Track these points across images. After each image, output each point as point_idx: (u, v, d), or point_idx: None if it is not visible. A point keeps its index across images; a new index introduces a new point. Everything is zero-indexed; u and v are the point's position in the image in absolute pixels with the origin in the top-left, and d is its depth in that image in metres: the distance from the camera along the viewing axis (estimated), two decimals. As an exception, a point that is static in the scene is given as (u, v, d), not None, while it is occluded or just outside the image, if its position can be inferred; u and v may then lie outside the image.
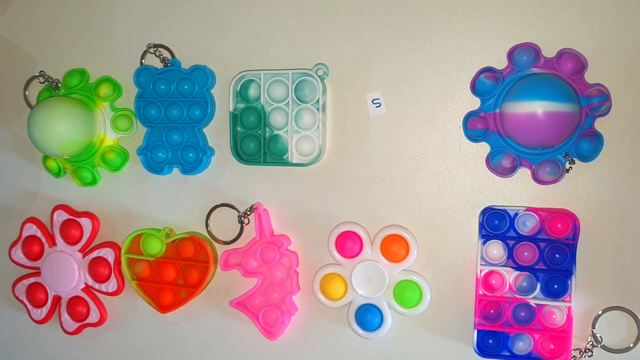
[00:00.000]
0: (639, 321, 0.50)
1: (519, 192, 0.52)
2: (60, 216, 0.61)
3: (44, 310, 0.63)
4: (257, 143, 0.56)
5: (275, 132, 0.55)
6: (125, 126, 0.59)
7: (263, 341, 0.57)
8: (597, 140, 0.49)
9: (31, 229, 0.62)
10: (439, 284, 0.54)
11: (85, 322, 0.62)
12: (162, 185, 0.60)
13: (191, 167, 0.58)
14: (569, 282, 0.50)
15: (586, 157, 0.49)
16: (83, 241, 0.61)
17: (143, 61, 0.59)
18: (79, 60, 0.61)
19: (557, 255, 0.50)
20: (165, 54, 0.58)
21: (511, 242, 0.51)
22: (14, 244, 0.63)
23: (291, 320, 0.57)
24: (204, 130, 0.58)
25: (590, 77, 0.49)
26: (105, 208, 0.62)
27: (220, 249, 0.59)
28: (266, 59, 0.56)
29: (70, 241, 0.61)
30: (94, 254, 0.61)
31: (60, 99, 0.58)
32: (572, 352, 0.51)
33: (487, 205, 0.52)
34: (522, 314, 0.51)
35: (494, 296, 0.52)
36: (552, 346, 0.51)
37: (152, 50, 0.58)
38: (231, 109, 0.56)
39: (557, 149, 0.50)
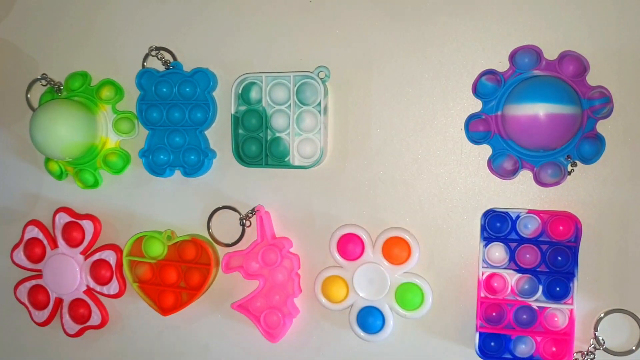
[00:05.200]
0: (642, 324, 0.50)
1: (521, 195, 0.52)
2: (62, 218, 0.61)
3: (46, 312, 0.63)
4: (258, 145, 0.56)
5: (277, 134, 0.55)
6: (127, 129, 0.59)
7: (264, 344, 0.57)
8: (598, 142, 0.49)
9: (33, 232, 0.62)
10: (440, 286, 0.54)
11: (87, 324, 0.62)
12: (163, 187, 0.60)
13: (193, 170, 0.58)
14: (571, 284, 0.50)
15: (588, 160, 0.49)
16: (85, 243, 0.61)
17: (145, 64, 0.59)
18: (81, 63, 0.61)
19: (559, 258, 0.50)
20: (167, 56, 0.58)
21: (513, 245, 0.51)
22: (16, 246, 0.63)
23: (292, 323, 0.57)
24: (206, 132, 0.58)
25: (591, 79, 0.49)
26: (107, 210, 0.62)
27: (221, 251, 0.59)
28: (268, 61, 0.56)
29: (72, 243, 0.61)
30: (96, 256, 0.61)
31: (62, 101, 0.58)
32: (575, 354, 0.51)
33: (488, 207, 0.52)
34: (524, 316, 0.51)
35: (496, 299, 0.52)
36: (554, 349, 0.51)
37: (153, 53, 0.58)
38: (233, 112, 0.56)
39: (559, 151, 0.50)
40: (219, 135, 0.58)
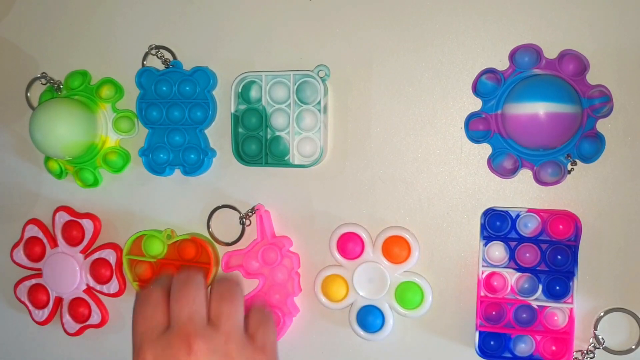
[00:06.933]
0: (641, 323, 0.50)
1: (521, 194, 0.52)
2: (62, 217, 0.61)
3: (46, 311, 0.63)
4: (258, 144, 0.56)
5: (277, 133, 0.55)
6: (126, 127, 0.59)
7: (264, 342, 0.57)
8: (598, 141, 0.49)
9: (33, 230, 0.62)
10: (440, 285, 0.54)
11: (87, 323, 0.62)
12: (163, 186, 0.60)
13: (193, 169, 0.58)
14: (571, 283, 0.50)
15: (588, 159, 0.49)
16: (85, 242, 0.61)
17: (144, 62, 0.59)
18: (81, 62, 0.61)
19: (559, 257, 0.50)
20: (167, 55, 0.58)
21: (513, 244, 0.51)
22: (16, 245, 0.63)
23: (292, 322, 0.57)
24: (206, 131, 0.58)
25: (591, 78, 0.49)
26: (107, 209, 0.62)
27: (221, 250, 0.59)
28: (267, 60, 0.56)
29: (72, 242, 0.61)
30: (96, 255, 0.61)
31: (62, 100, 0.58)
32: (574, 353, 0.51)
33: (488, 206, 0.52)
34: (524, 315, 0.51)
35: (496, 298, 0.52)
36: (553, 348, 0.51)
37: (153, 51, 0.58)
38: (232, 111, 0.56)
39: (558, 150, 0.50)
40: (218, 134, 0.58)
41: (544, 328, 0.51)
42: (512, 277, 0.51)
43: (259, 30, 0.56)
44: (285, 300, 0.56)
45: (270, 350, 0.44)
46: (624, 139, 0.49)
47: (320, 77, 0.54)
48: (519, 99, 0.48)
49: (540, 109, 0.47)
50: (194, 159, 0.57)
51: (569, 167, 0.50)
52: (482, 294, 0.52)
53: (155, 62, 0.58)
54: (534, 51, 0.50)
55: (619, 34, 0.49)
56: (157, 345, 0.42)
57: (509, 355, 0.52)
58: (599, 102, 0.48)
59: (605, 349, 0.51)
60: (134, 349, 0.43)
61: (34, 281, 0.63)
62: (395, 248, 0.53)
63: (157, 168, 0.58)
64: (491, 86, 0.51)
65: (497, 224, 0.51)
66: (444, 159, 0.53)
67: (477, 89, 0.51)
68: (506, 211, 0.51)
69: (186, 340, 0.41)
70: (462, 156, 0.53)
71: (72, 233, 0.61)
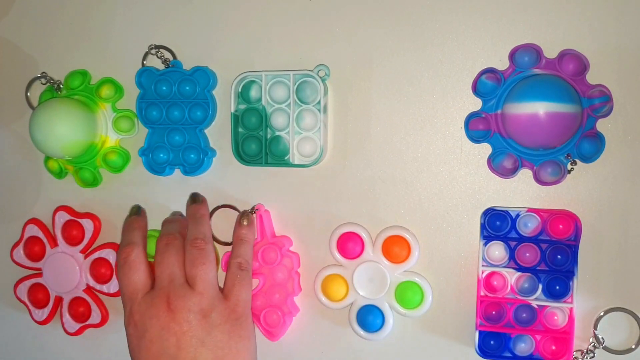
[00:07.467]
0: (641, 322, 0.50)
1: (521, 193, 0.52)
2: (62, 217, 0.61)
3: (46, 311, 0.63)
4: (258, 144, 0.56)
5: (277, 133, 0.55)
6: (126, 127, 0.59)
7: (264, 342, 0.57)
8: (598, 141, 0.49)
9: (33, 230, 0.62)
10: (440, 285, 0.54)
11: (87, 322, 0.62)
12: (163, 186, 0.60)
13: (192, 168, 0.58)
14: (571, 283, 0.50)
15: (588, 158, 0.49)
16: (84, 242, 0.61)
17: (144, 62, 0.59)
18: (81, 62, 0.61)
19: (559, 257, 0.50)
20: (167, 55, 0.58)
21: (513, 243, 0.51)
22: (16, 244, 0.63)
23: (292, 321, 0.57)
24: (206, 131, 0.58)
25: (591, 78, 0.49)
26: (107, 209, 0.62)
27: (221, 250, 0.59)
28: (267, 60, 0.56)
29: (72, 242, 0.61)
30: (96, 254, 0.61)
31: (62, 100, 0.58)
32: (574, 353, 0.51)
33: (488, 206, 0.52)
34: (524, 315, 0.51)
35: (496, 297, 0.52)
36: (553, 347, 0.51)
37: (153, 51, 0.58)
38: (232, 110, 0.56)
39: (558, 150, 0.50)
40: (218, 133, 0.58)
41: (543, 328, 0.51)
42: (512, 276, 0.51)
43: (259, 30, 0.56)
44: (285, 299, 0.56)
45: (242, 306, 0.51)
46: (624, 139, 0.49)
47: (320, 77, 0.54)
48: (519, 99, 0.48)
49: (540, 108, 0.47)
50: (194, 159, 0.57)
51: (569, 166, 0.50)
52: (482, 293, 0.52)
53: (155, 62, 0.58)
54: (534, 51, 0.50)
55: (619, 34, 0.49)
56: (142, 304, 0.50)
57: (509, 354, 0.52)
58: (599, 102, 0.48)
59: (605, 348, 0.51)
60: (125, 312, 0.52)
61: (33, 281, 0.63)
62: (395, 248, 0.53)
63: (157, 168, 0.58)
64: (491, 86, 0.51)
65: (497, 224, 0.51)
66: (444, 158, 0.53)
67: (477, 89, 0.51)
68: (506, 211, 0.51)
69: (166, 299, 0.50)
70: (462, 156, 0.53)
71: (72, 233, 0.61)
